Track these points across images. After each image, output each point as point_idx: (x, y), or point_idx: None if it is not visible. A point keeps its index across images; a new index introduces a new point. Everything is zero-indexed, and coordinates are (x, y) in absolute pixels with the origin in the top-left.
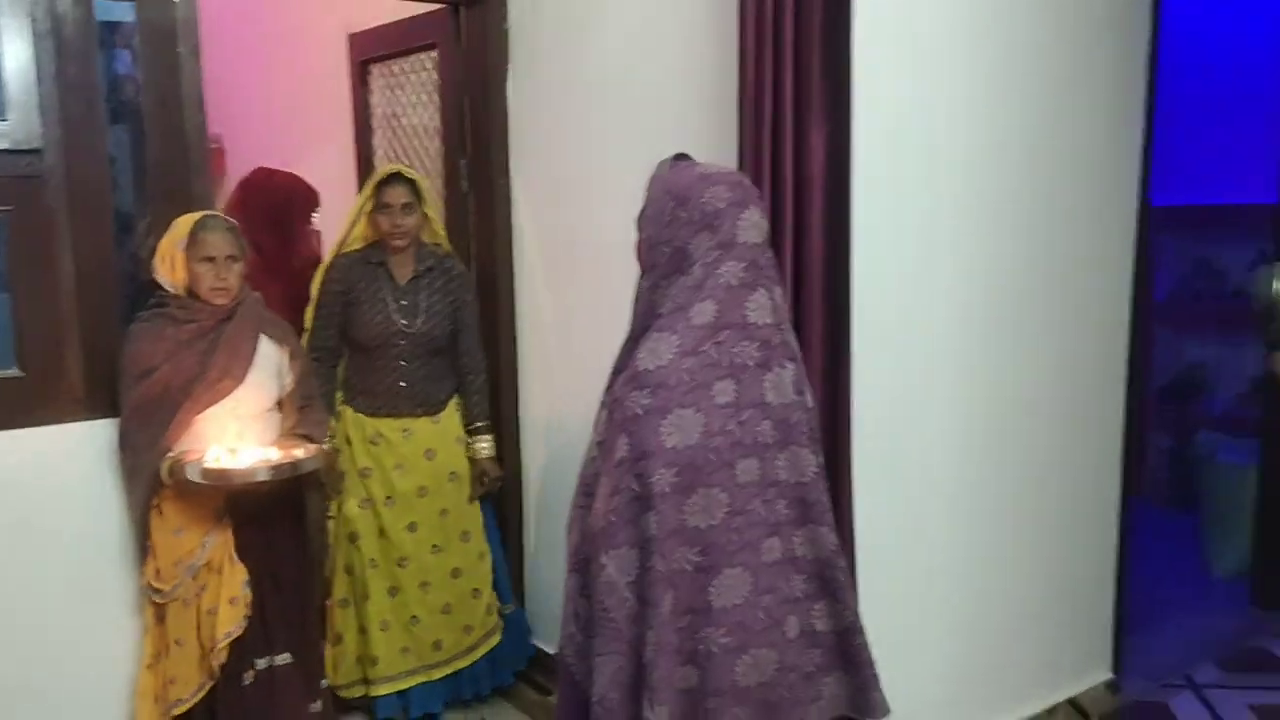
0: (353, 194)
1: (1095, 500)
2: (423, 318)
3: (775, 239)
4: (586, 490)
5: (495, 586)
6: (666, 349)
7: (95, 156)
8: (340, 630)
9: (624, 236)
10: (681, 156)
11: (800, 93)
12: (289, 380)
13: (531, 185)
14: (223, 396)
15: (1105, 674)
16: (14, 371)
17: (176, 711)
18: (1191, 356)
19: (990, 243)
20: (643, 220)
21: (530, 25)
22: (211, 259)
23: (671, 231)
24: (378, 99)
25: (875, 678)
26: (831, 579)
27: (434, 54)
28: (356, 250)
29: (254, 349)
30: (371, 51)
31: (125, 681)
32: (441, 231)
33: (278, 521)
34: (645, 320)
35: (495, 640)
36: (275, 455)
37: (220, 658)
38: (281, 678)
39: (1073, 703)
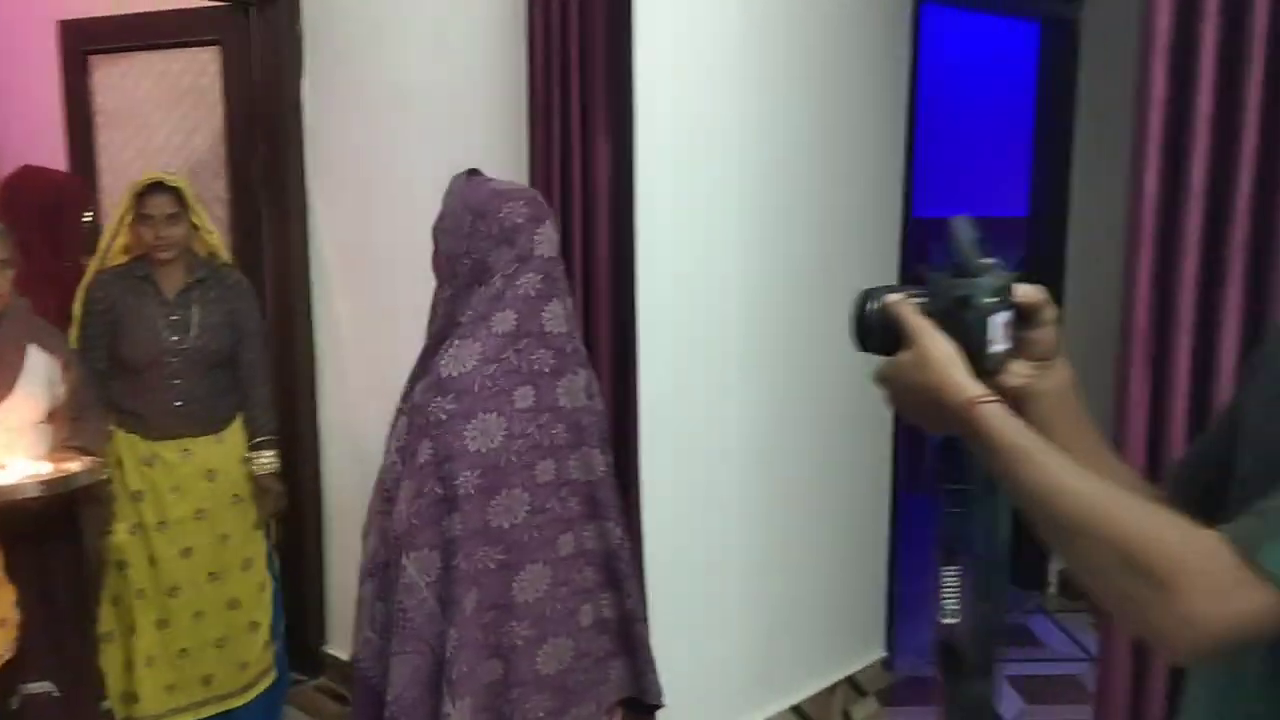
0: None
1: (870, 494)
2: (195, 332)
3: (565, 248)
4: (386, 496)
5: (274, 621)
6: (469, 356)
7: None
8: (104, 665)
9: (422, 244)
10: (474, 172)
11: (586, 106)
12: (62, 390)
13: (329, 191)
14: None
15: (879, 653)
16: None
17: None
18: None
19: (770, 250)
20: (441, 233)
21: (324, 29)
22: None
23: (471, 244)
24: (106, 94)
25: (651, 663)
26: (617, 570)
27: (198, 52)
28: (120, 265)
29: (22, 359)
30: (96, 42)
31: None
32: (214, 240)
33: (50, 540)
34: (444, 329)
35: (272, 678)
36: (45, 469)
37: None
38: (45, 706)
39: (851, 680)
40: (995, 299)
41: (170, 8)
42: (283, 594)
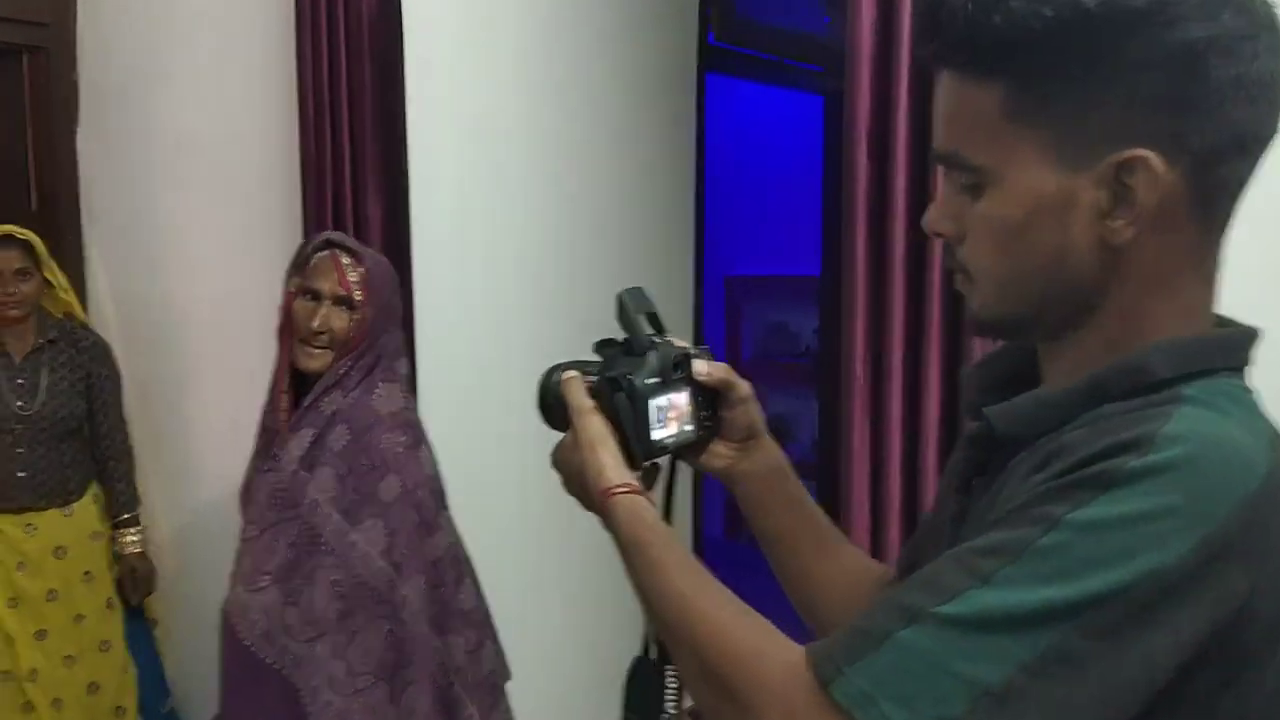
0: None
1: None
2: (44, 398)
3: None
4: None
5: (141, 701)
6: (397, 395)
7: None
8: None
9: (221, 296)
10: (339, 238)
11: (358, 168)
12: None
13: (107, 244)
14: None
15: None
16: None
17: None
18: (773, 409)
19: (554, 313)
20: (370, 311)
21: (100, 78)
22: None
23: (389, 318)
24: None
25: None
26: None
27: None
28: None
29: None
30: None
31: None
32: (71, 299)
33: None
34: (351, 388)
35: None
36: None
37: None
38: None
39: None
40: (656, 379)
41: None
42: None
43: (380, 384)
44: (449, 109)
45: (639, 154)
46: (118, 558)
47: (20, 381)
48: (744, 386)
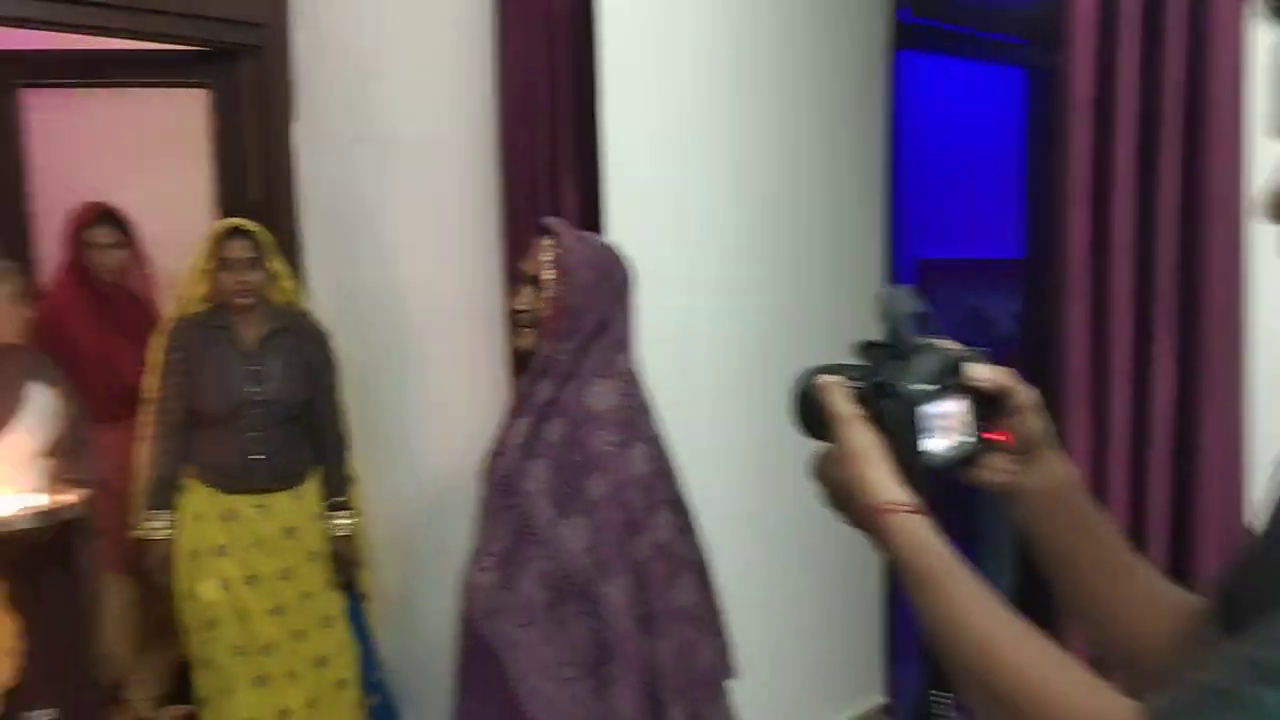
0: None
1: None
2: (274, 383)
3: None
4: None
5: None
6: (611, 393)
7: None
8: None
9: (415, 286)
10: (551, 223)
11: (556, 162)
12: (61, 425)
13: (321, 234)
14: None
15: (878, 699)
16: None
17: None
18: None
19: (747, 298)
20: (568, 290)
21: (313, 74)
22: (10, 301)
23: (595, 301)
24: (44, 128)
25: None
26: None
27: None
28: (197, 313)
29: (21, 393)
30: (31, 76)
31: None
32: (292, 287)
33: (48, 571)
34: (564, 376)
35: None
36: (40, 501)
37: None
38: None
39: None
40: (928, 385)
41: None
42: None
43: (596, 379)
44: (642, 99)
45: (831, 137)
46: (329, 540)
47: (253, 368)
48: (1027, 393)
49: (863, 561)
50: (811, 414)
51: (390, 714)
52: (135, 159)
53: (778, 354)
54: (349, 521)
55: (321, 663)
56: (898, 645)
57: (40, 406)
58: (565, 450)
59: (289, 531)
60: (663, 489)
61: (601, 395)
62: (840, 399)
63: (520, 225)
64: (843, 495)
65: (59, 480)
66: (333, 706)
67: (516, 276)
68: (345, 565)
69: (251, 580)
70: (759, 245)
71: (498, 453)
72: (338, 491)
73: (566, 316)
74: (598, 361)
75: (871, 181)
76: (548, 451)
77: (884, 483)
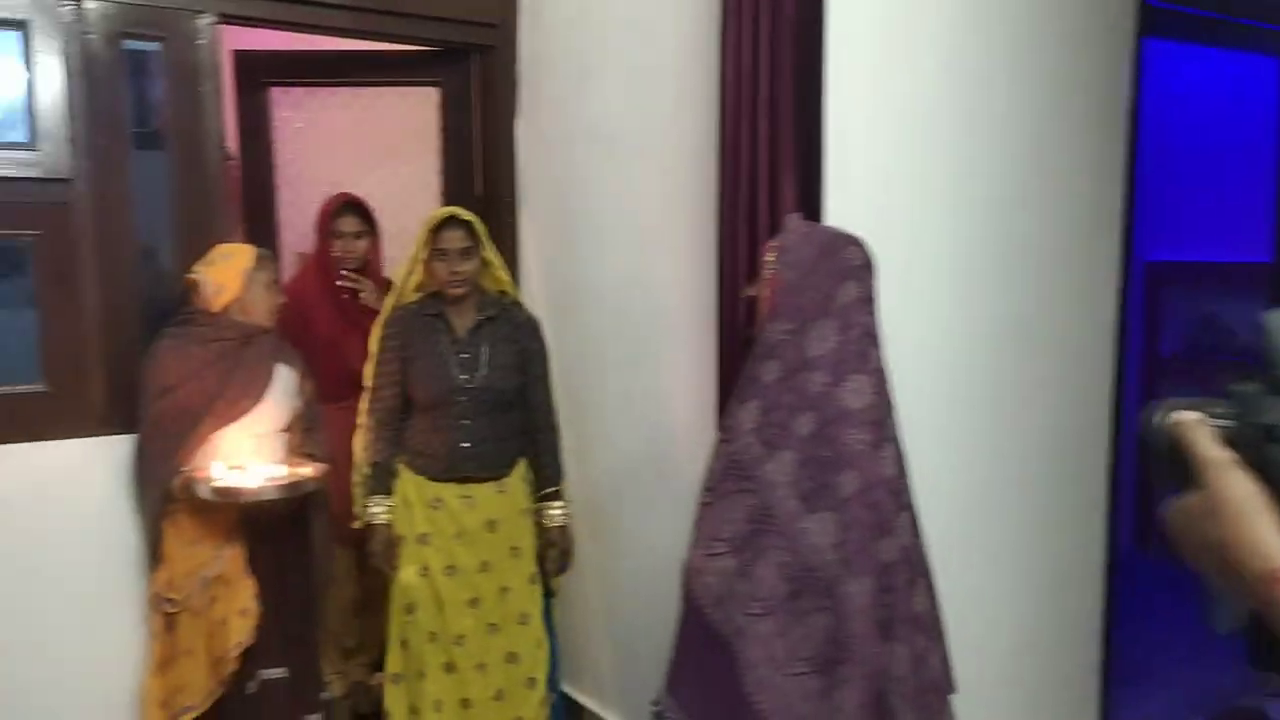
0: None
1: (1082, 552)
2: (485, 371)
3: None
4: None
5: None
6: (867, 390)
7: (120, 186)
8: (390, 707)
9: (627, 279)
10: (790, 216)
11: (775, 152)
12: (299, 403)
13: (537, 226)
14: (242, 415)
15: None
16: (39, 386)
17: (185, 718)
18: None
19: (970, 295)
20: (785, 267)
21: (537, 71)
22: (270, 286)
23: (817, 279)
24: (285, 123)
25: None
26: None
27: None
28: (413, 302)
29: (271, 372)
30: (279, 74)
31: (131, 686)
32: (506, 276)
33: (286, 538)
34: (793, 359)
35: None
36: (282, 473)
37: (230, 666)
38: (278, 690)
39: None
40: None
41: (393, 49)
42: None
43: (850, 376)
44: (868, 92)
45: (1067, 130)
46: (541, 530)
47: (464, 356)
48: None
49: (1081, 579)
50: (1163, 455)
51: (566, 712)
52: (370, 154)
53: (999, 359)
54: (561, 512)
55: (512, 658)
56: (1116, 669)
57: (284, 386)
58: (814, 444)
59: (491, 524)
60: (905, 493)
61: (857, 392)
62: (1207, 440)
63: (737, 221)
64: (1215, 554)
65: (296, 454)
66: (518, 702)
67: (733, 272)
68: (560, 556)
69: (450, 570)
70: (983, 244)
71: (725, 439)
72: (551, 481)
73: (784, 294)
74: (853, 351)
75: (1109, 178)
76: (794, 444)
77: (1274, 543)
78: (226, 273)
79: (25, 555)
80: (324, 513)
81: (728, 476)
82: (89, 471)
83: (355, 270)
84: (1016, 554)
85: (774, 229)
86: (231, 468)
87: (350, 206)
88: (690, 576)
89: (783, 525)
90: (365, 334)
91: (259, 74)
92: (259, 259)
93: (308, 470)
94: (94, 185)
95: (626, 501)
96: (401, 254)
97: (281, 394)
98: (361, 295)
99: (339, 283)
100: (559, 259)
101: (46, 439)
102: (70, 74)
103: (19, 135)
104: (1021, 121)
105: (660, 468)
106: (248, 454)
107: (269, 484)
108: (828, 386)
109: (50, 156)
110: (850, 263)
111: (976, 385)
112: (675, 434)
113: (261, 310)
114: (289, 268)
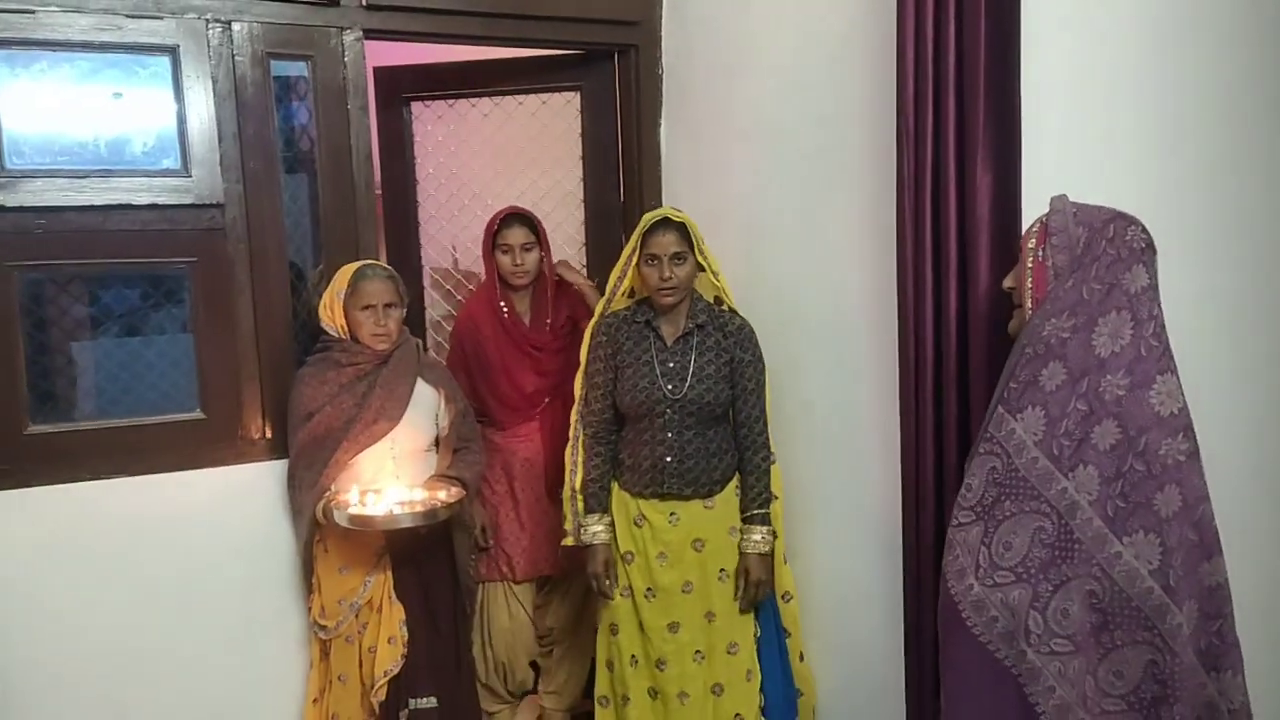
0: None
1: None
2: (691, 381)
3: (938, 286)
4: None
5: (765, 712)
6: (1177, 392)
7: (272, 210)
8: None
9: (794, 281)
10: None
11: (964, 134)
12: (445, 422)
13: None
14: (379, 437)
15: None
16: (197, 414)
17: None
18: None
19: (1179, 294)
20: (1048, 253)
21: (682, 70)
22: (371, 306)
23: (1099, 269)
24: (426, 137)
25: None
26: None
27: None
28: (623, 309)
29: (410, 391)
30: (419, 88)
31: (291, 713)
32: (721, 282)
33: (432, 563)
34: (1080, 360)
35: None
36: (418, 497)
37: (379, 695)
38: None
39: None
40: None
41: (533, 55)
42: (788, 683)
43: (1156, 377)
44: (1065, 68)
45: (1274, 121)
46: (740, 556)
47: (671, 365)
48: None
49: None
50: None
51: None
52: (512, 164)
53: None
54: (763, 539)
55: (718, 690)
56: None
57: (425, 405)
58: (1121, 458)
59: (696, 543)
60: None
61: (1167, 395)
62: None
63: (921, 215)
64: None
65: (441, 477)
66: None
67: (916, 269)
68: (753, 587)
69: (651, 592)
70: (1186, 234)
71: (994, 452)
72: (756, 504)
73: (1058, 283)
74: (1154, 347)
75: None
76: (1095, 458)
77: None
78: (328, 298)
79: (185, 583)
80: (468, 538)
81: (1006, 496)
82: (247, 498)
83: (526, 285)
84: (1238, 561)
85: (964, 224)
86: (367, 493)
87: (516, 218)
88: (968, 612)
89: (1089, 550)
90: (529, 356)
91: (399, 89)
92: (355, 279)
93: (443, 494)
94: (247, 209)
95: (808, 519)
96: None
97: (421, 414)
98: (560, 272)
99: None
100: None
101: (205, 466)
102: (219, 97)
103: (172, 162)
104: (1229, 102)
105: (842, 481)
106: (387, 477)
107: (403, 510)
108: (1129, 390)
109: (203, 182)
110: (1135, 245)
111: (1189, 381)
112: (857, 445)
113: (364, 332)
114: (430, 284)
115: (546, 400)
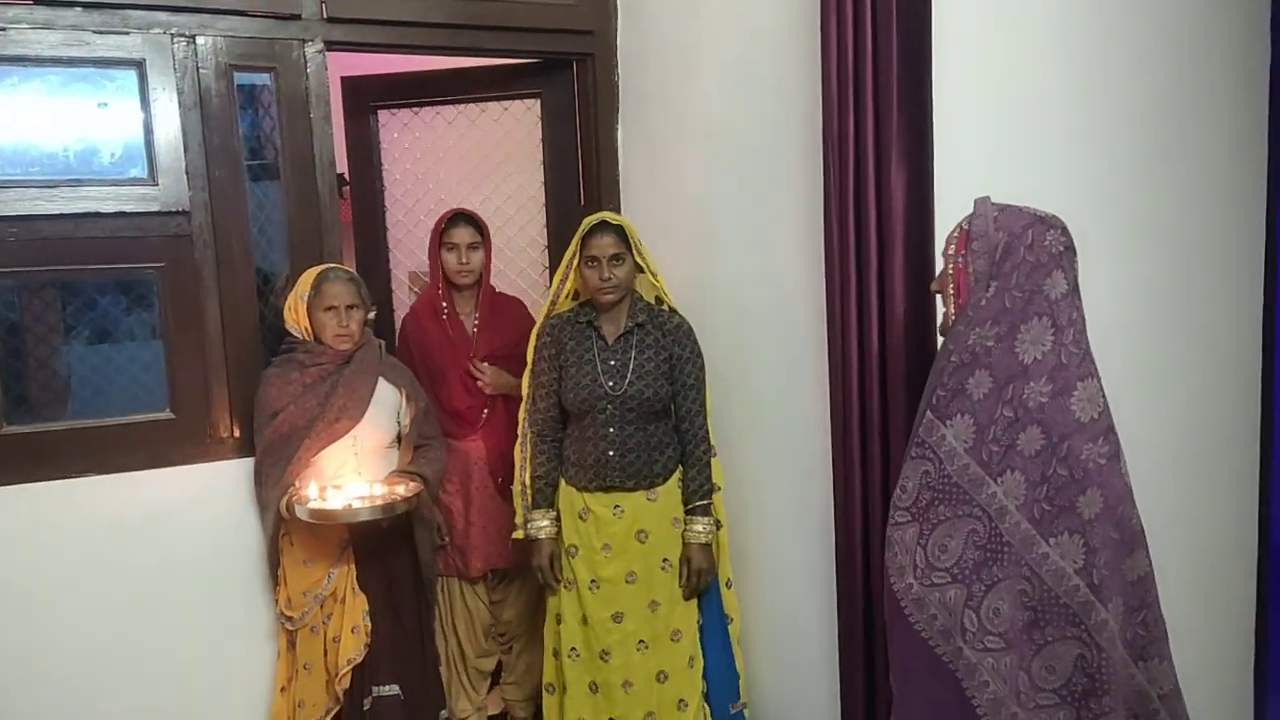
0: None
1: (1233, 544)
2: (631, 378)
3: (860, 280)
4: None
5: (708, 697)
6: (1098, 396)
7: (237, 216)
8: (546, 716)
9: (741, 279)
10: (976, 200)
11: (880, 140)
12: (405, 420)
13: (643, 231)
14: (341, 435)
15: None
16: (166, 414)
17: None
18: None
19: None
20: (968, 258)
21: (637, 76)
22: (334, 308)
23: (1018, 277)
24: (393, 145)
25: None
26: None
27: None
28: (567, 310)
29: (372, 390)
30: (385, 97)
31: (259, 704)
32: (659, 282)
33: (395, 557)
34: (1005, 368)
35: None
36: (378, 492)
37: (344, 683)
38: (390, 707)
39: None
40: None
41: (494, 64)
42: (730, 668)
43: (1077, 383)
44: (978, 76)
45: (1199, 98)
46: (683, 546)
47: (611, 363)
48: None
49: (1232, 573)
50: None
51: None
52: (476, 171)
53: (1136, 346)
54: (704, 529)
55: (661, 677)
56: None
57: (386, 404)
58: (1045, 463)
59: (640, 534)
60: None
61: (1087, 401)
62: None
63: (845, 215)
64: None
65: (401, 473)
66: None
67: (842, 268)
68: (694, 575)
69: (595, 584)
70: (1107, 235)
71: (926, 457)
72: (697, 495)
73: (978, 290)
74: (1074, 354)
75: (1249, 148)
76: (1021, 464)
77: None
78: (292, 300)
79: (156, 578)
80: (429, 532)
81: (939, 500)
82: (216, 495)
83: (470, 285)
84: (1165, 548)
85: (882, 222)
86: (327, 488)
87: (463, 217)
88: (910, 608)
89: (1019, 552)
90: (465, 368)
91: (366, 98)
92: (318, 282)
93: (401, 489)
94: (213, 216)
95: (750, 510)
96: (511, 269)
97: (383, 412)
98: (480, 382)
99: (472, 370)
100: (666, 262)
101: (175, 464)
102: (185, 108)
103: (139, 171)
104: (1147, 105)
105: (783, 473)
106: (349, 473)
107: (362, 504)
108: (1051, 397)
109: (169, 190)
110: (1054, 249)
111: (1115, 373)
112: (797, 439)
113: (328, 333)
114: (399, 288)
115: (485, 414)
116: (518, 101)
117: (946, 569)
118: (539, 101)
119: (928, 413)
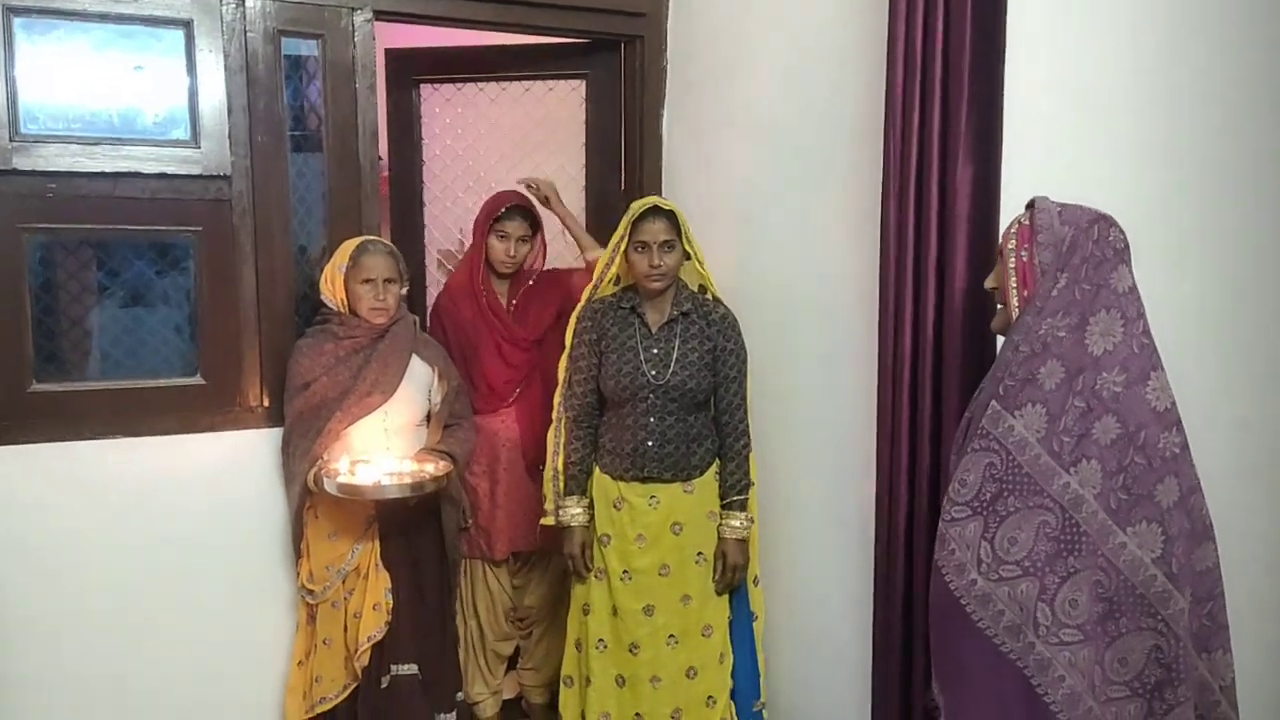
0: None
1: None
2: (675, 368)
3: (917, 280)
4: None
5: (734, 695)
6: (1168, 387)
7: (278, 183)
8: (562, 709)
9: (786, 273)
10: (1035, 198)
11: (947, 128)
12: (437, 398)
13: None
14: (372, 409)
15: None
16: (197, 380)
17: (321, 709)
18: None
19: (1158, 290)
20: (1033, 251)
21: (685, 63)
22: (371, 280)
23: (1078, 261)
24: (434, 119)
25: None
26: None
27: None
28: (610, 295)
29: (405, 365)
30: (429, 71)
31: (279, 674)
32: (706, 271)
33: (421, 535)
34: (1076, 358)
35: None
36: (407, 469)
37: (362, 660)
38: (408, 687)
39: None
40: None
41: (541, 42)
42: (755, 665)
43: (1152, 373)
44: (1050, 67)
45: (1268, 120)
46: (718, 540)
47: (655, 352)
48: None
49: None
50: None
51: None
52: (516, 149)
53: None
54: (741, 524)
55: (691, 673)
56: None
57: (418, 380)
58: (1121, 452)
59: (675, 526)
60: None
61: (1160, 391)
62: None
63: (905, 211)
64: None
65: (430, 450)
66: (698, 719)
67: (899, 265)
68: (730, 570)
69: (627, 575)
70: (1174, 234)
71: (991, 448)
72: (735, 490)
73: (1047, 283)
74: (1144, 344)
75: None
76: (1097, 453)
77: None
78: (329, 271)
79: (180, 544)
80: (457, 511)
81: (1008, 492)
82: (243, 463)
83: (510, 274)
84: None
85: (944, 220)
86: (357, 463)
87: (520, 210)
88: (973, 606)
89: (1095, 542)
90: (500, 345)
91: (410, 71)
92: (356, 254)
93: (431, 467)
94: (253, 182)
95: (784, 506)
96: (547, 250)
97: (415, 389)
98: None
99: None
100: (709, 251)
101: (203, 431)
102: (230, 72)
103: (182, 133)
104: (1215, 111)
105: (821, 470)
106: (378, 449)
107: (391, 481)
108: (1125, 386)
109: (211, 154)
110: (1117, 244)
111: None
112: (838, 435)
113: (363, 306)
114: (433, 263)
115: (518, 391)
116: (562, 82)
117: (1017, 561)
118: (584, 83)
119: (992, 403)
